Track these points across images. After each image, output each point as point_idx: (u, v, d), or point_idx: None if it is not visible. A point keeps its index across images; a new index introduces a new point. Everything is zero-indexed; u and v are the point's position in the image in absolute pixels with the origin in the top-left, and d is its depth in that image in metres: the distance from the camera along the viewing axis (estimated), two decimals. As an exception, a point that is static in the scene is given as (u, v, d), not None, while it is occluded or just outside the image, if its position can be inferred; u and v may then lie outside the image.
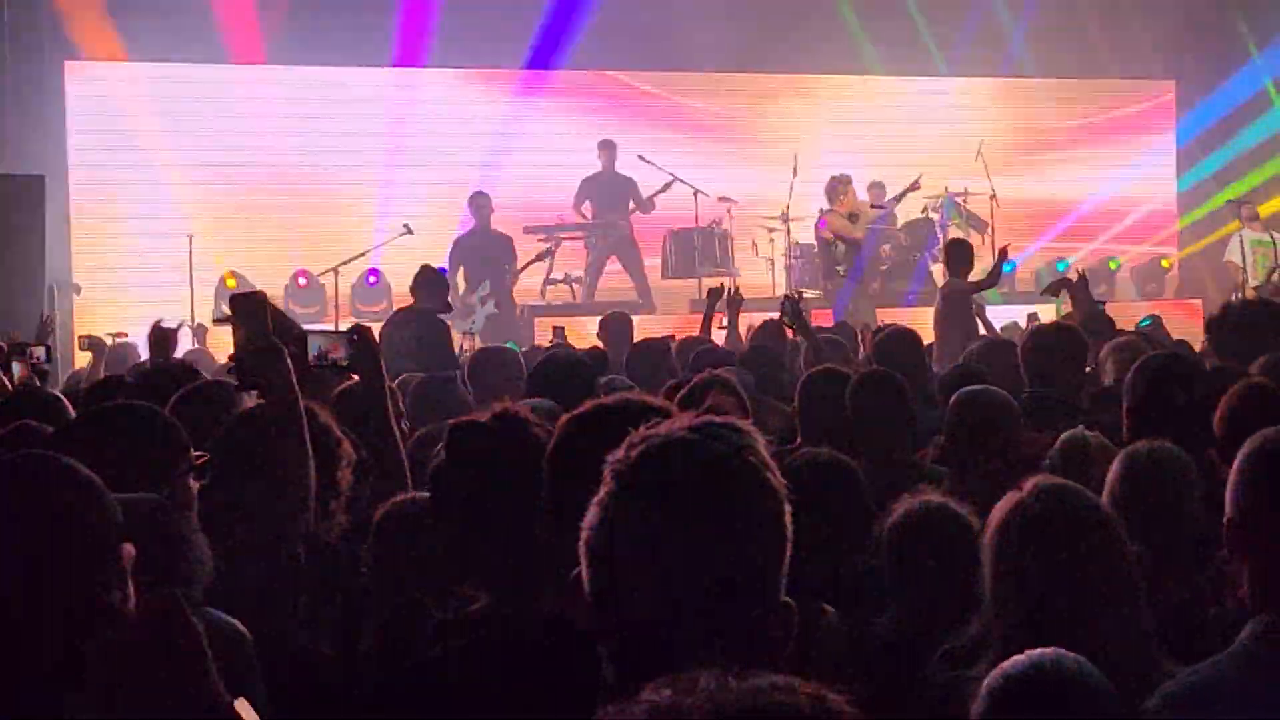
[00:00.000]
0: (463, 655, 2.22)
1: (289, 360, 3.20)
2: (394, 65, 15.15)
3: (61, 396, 4.25)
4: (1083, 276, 8.75)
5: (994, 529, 2.65)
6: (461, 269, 13.35)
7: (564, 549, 1.80)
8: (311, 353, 3.87)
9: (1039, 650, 2.24)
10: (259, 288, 13.83)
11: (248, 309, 3.26)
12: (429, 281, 8.75)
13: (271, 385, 3.15)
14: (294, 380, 3.16)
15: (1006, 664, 2.23)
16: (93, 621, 1.83)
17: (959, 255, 10.07)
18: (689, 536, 1.50)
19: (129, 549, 1.91)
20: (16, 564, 1.83)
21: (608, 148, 14.27)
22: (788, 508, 1.56)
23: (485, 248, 13.38)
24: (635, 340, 8.20)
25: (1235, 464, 2.19)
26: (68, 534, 1.85)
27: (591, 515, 1.56)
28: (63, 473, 1.92)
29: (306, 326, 4.30)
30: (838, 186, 13.66)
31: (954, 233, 13.70)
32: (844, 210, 13.26)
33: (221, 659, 2.20)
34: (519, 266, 13.57)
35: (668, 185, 13.88)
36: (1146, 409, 4.00)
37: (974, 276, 10.03)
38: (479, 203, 13.72)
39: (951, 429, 4.31)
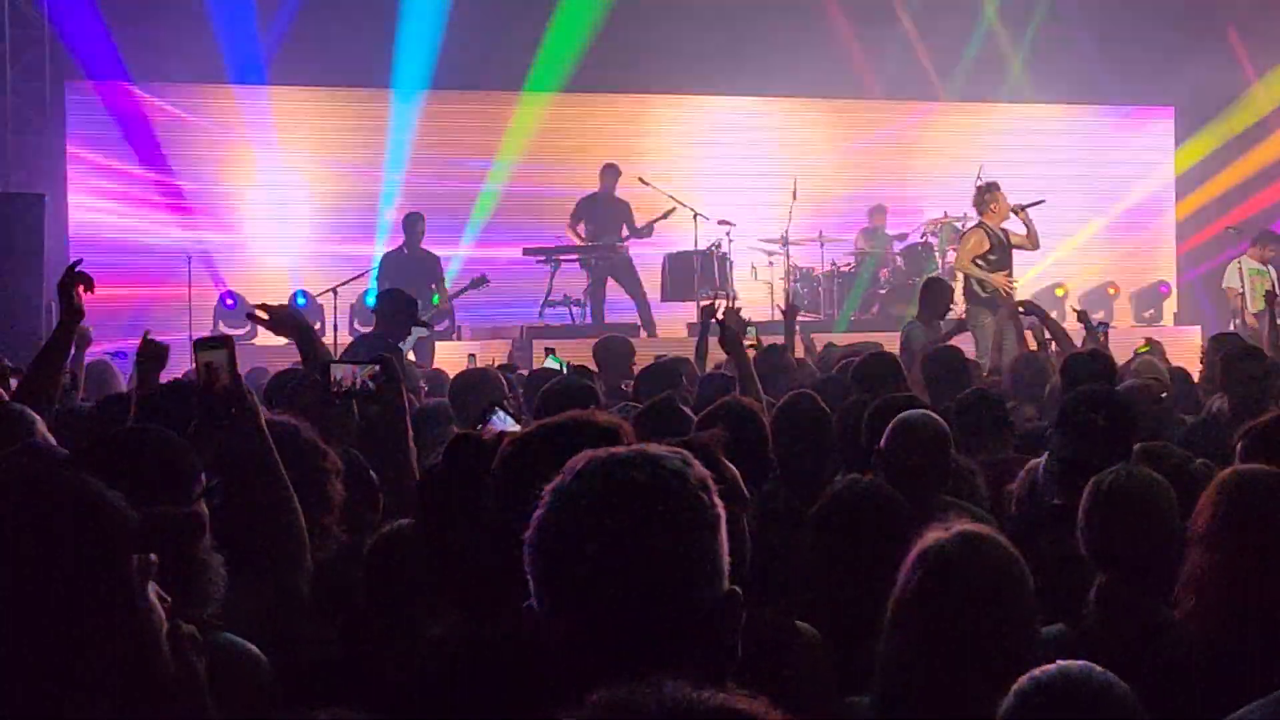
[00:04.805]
0: (431, 675, 2.23)
1: (255, 396, 3.24)
2: (394, 86, 15.19)
3: (28, 411, 4.21)
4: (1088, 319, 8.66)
5: (910, 563, 2.73)
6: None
7: (511, 567, 1.84)
8: (335, 379, 3.92)
9: (1068, 661, 2.28)
10: (253, 307, 13.93)
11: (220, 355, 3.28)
12: (384, 305, 8.32)
13: (237, 420, 3.15)
14: (260, 416, 3.17)
15: (1036, 670, 2.26)
16: (94, 631, 1.85)
17: (935, 297, 9.74)
18: (619, 547, 1.56)
19: (144, 559, 1.92)
20: (14, 573, 1.84)
21: (610, 172, 14.27)
22: (722, 523, 1.63)
23: (413, 267, 13.30)
24: (633, 364, 8.15)
25: None
26: (57, 545, 1.86)
27: (530, 533, 1.62)
28: (54, 485, 1.93)
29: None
30: (985, 196, 11.62)
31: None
32: (995, 220, 11.45)
33: (240, 683, 2.20)
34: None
35: (669, 212, 13.88)
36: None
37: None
38: (411, 222, 13.67)
39: (886, 455, 4.19)
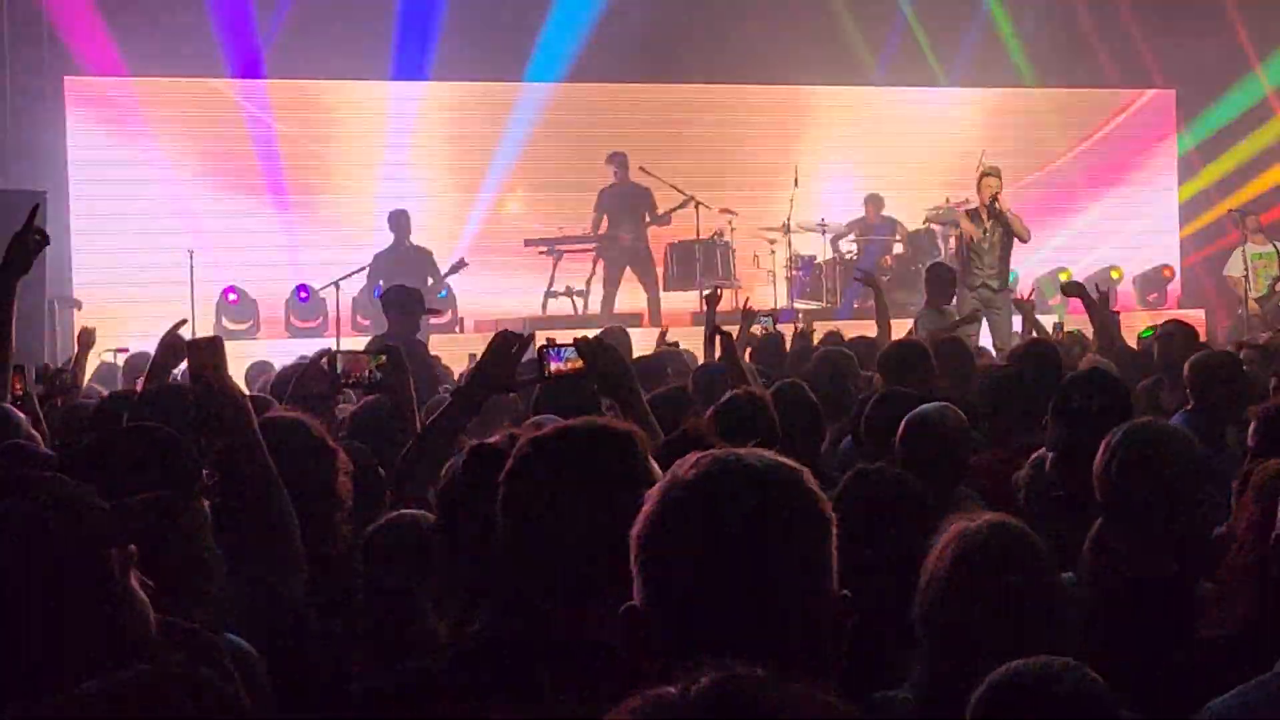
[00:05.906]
0: (451, 673, 2.21)
1: (247, 397, 3.24)
2: (394, 79, 15.16)
3: (13, 411, 4.19)
4: (1101, 292, 8.51)
5: (939, 553, 2.73)
6: (381, 284, 13.38)
7: (518, 566, 1.90)
8: (343, 369, 3.93)
9: (1045, 656, 2.25)
10: (256, 302, 13.91)
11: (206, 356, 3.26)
12: (399, 301, 8.25)
13: (229, 421, 3.14)
14: (252, 416, 3.16)
15: (1014, 663, 2.24)
16: (78, 626, 1.86)
17: (938, 283, 9.84)
18: (732, 545, 1.54)
19: (124, 550, 1.92)
20: None
21: (617, 160, 14.22)
22: (833, 527, 1.61)
23: (405, 262, 13.31)
24: (633, 356, 8.13)
25: None
26: (32, 545, 1.87)
27: (638, 529, 1.59)
28: (26, 485, 1.95)
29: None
30: (977, 181, 11.60)
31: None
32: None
33: (237, 680, 2.20)
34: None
35: (685, 203, 13.84)
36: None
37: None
38: (399, 220, 13.73)
39: (902, 448, 4.19)
